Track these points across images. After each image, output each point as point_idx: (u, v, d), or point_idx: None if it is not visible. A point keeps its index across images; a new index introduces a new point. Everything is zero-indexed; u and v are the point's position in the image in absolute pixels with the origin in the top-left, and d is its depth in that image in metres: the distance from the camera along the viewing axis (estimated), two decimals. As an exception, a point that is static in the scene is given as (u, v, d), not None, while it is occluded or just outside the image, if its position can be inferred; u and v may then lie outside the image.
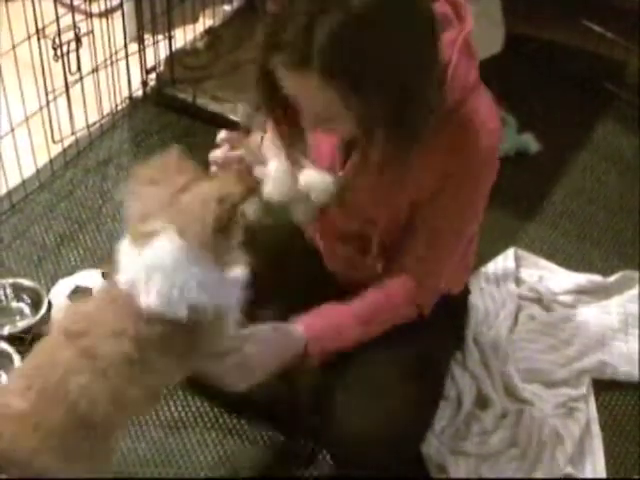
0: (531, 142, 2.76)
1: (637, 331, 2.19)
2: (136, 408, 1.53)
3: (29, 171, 2.56)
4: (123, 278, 1.40)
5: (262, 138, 1.70)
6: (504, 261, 2.34)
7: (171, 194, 1.41)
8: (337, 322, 1.67)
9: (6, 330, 2.09)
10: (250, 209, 1.45)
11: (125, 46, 2.76)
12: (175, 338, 1.41)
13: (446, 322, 1.86)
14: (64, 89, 2.57)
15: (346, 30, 1.36)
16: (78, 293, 2.06)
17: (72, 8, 2.50)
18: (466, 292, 2.01)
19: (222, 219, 1.37)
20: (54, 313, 2.07)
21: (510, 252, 2.36)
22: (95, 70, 2.67)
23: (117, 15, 2.78)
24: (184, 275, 1.38)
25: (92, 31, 2.58)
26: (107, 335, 1.40)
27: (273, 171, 1.63)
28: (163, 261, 1.37)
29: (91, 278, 2.09)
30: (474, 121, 1.56)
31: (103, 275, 2.09)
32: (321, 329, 1.65)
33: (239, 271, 1.49)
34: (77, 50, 2.53)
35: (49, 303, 2.08)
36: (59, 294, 2.08)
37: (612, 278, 2.31)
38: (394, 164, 1.52)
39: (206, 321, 1.42)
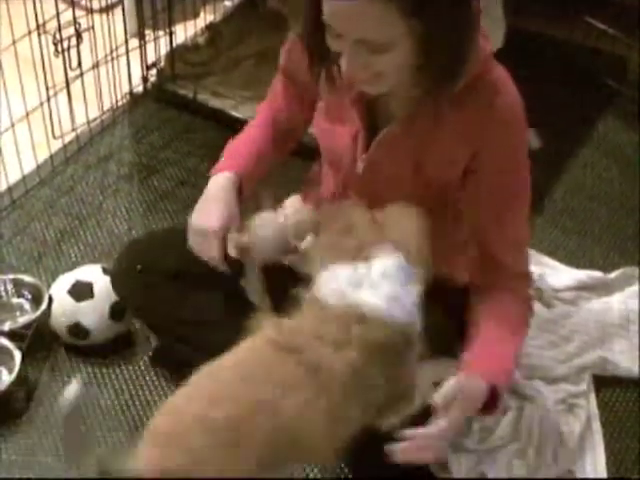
0: (532, 138, 2.75)
1: (637, 327, 2.19)
2: (345, 435, 1.40)
3: (29, 167, 2.56)
4: (336, 289, 1.40)
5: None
6: (505, 257, 2.33)
7: (370, 218, 1.48)
8: (498, 354, 1.61)
9: (7, 326, 2.09)
10: None
11: (126, 42, 2.76)
12: (391, 350, 1.39)
13: (448, 319, 1.86)
14: (64, 85, 2.57)
15: None
16: (78, 287, 2.05)
17: (73, 4, 2.49)
18: (467, 288, 2.00)
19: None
20: (55, 308, 2.07)
21: (511, 248, 2.36)
22: (96, 66, 2.67)
23: (118, 11, 2.78)
24: (405, 290, 1.41)
25: (93, 27, 2.57)
26: (330, 346, 1.36)
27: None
28: (391, 272, 1.40)
29: (91, 273, 2.08)
30: (499, 85, 1.57)
31: (104, 270, 2.08)
32: (492, 368, 1.58)
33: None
34: (78, 46, 2.53)
35: (50, 299, 2.08)
36: (59, 289, 2.08)
37: (613, 274, 2.31)
38: (433, 107, 1.52)
39: (414, 342, 1.42)
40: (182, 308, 1.85)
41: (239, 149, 1.84)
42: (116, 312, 2.05)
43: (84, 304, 2.04)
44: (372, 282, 1.39)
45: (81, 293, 2.05)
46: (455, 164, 1.61)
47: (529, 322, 1.69)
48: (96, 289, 2.05)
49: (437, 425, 1.46)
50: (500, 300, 1.66)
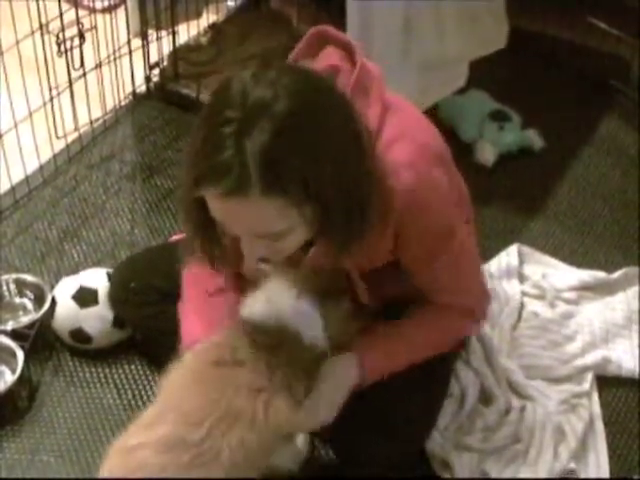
0: (535, 138, 2.76)
1: (639, 328, 2.19)
2: None
3: (32, 167, 2.56)
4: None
5: None
6: (507, 257, 2.33)
7: None
8: (392, 351, 1.69)
9: (9, 325, 2.09)
10: None
11: (128, 42, 2.76)
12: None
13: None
14: (67, 85, 2.58)
15: (278, 139, 1.31)
16: (82, 293, 2.05)
17: (76, 4, 2.49)
18: None
19: None
20: (58, 312, 2.06)
21: (513, 248, 2.36)
22: (98, 66, 2.67)
23: (120, 11, 2.79)
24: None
25: (96, 27, 2.57)
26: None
27: None
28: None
29: (96, 279, 2.07)
30: (396, 177, 1.50)
31: (109, 277, 2.08)
32: (377, 360, 1.67)
33: None
34: (80, 46, 2.53)
35: (52, 299, 2.08)
36: (64, 293, 2.07)
37: (616, 274, 2.31)
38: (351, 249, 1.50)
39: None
40: (167, 321, 1.90)
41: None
42: (119, 320, 2.05)
43: (88, 311, 2.03)
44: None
45: (85, 299, 2.04)
46: (386, 254, 1.62)
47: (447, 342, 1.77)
48: (100, 296, 2.04)
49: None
50: (430, 311, 1.72)
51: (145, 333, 2.04)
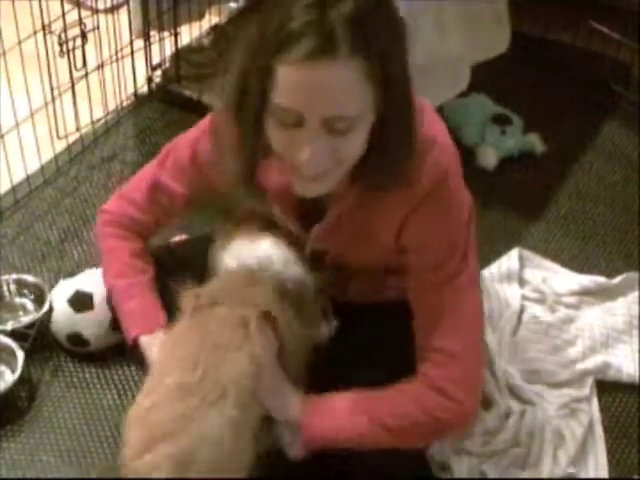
0: (536, 142, 2.76)
1: (639, 332, 2.19)
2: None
3: (33, 167, 2.56)
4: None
5: None
6: (508, 261, 2.34)
7: None
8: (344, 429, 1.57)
9: (9, 326, 2.09)
10: None
11: (131, 42, 2.77)
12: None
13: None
14: (69, 85, 2.58)
15: (361, 11, 1.30)
16: (78, 298, 2.03)
17: (78, 4, 2.50)
18: None
19: None
20: (55, 316, 2.05)
21: (514, 252, 2.36)
22: (101, 66, 2.68)
23: (123, 11, 2.79)
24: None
25: (98, 27, 2.58)
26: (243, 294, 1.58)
27: None
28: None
29: (93, 282, 2.04)
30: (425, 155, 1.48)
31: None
32: (320, 430, 1.57)
33: None
34: (83, 46, 2.53)
35: (50, 304, 2.07)
36: (60, 297, 2.06)
37: (616, 280, 2.31)
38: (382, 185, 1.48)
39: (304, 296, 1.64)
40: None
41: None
42: (117, 322, 2.01)
43: (84, 315, 2.02)
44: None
45: (81, 304, 2.02)
46: (387, 246, 1.58)
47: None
48: (96, 300, 2.01)
49: None
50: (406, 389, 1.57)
51: None
